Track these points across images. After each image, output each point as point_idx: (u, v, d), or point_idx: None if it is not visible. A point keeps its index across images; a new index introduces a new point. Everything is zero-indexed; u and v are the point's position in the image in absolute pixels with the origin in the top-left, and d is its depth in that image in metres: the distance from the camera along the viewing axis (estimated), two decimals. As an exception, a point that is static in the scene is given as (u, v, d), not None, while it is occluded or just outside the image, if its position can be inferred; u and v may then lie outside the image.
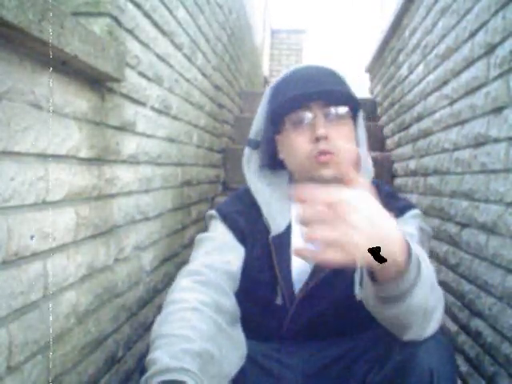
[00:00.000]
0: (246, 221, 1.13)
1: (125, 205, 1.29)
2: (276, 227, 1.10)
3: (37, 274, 0.87)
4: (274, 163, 1.18)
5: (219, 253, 1.07)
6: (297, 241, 1.11)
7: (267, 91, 1.17)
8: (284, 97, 1.07)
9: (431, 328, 0.87)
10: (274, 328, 1.12)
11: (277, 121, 1.11)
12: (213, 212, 1.16)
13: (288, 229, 1.11)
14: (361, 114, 1.14)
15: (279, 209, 1.13)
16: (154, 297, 1.55)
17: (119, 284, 1.26)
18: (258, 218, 1.13)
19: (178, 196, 1.83)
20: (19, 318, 0.82)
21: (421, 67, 2.42)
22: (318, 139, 1.03)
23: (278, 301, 1.09)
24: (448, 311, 1.76)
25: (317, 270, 1.07)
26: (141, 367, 1.00)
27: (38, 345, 0.87)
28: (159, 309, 1.63)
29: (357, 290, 1.06)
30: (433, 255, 2.00)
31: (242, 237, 1.12)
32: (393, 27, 3.19)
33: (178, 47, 1.73)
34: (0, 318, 0.76)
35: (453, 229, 1.76)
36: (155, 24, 1.44)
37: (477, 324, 1.46)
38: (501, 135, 1.34)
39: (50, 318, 0.92)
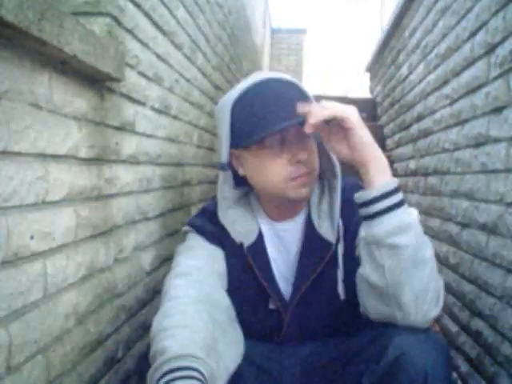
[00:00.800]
0: (220, 230, 1.14)
1: (125, 205, 1.29)
2: (247, 239, 1.11)
3: (36, 274, 0.87)
4: (235, 179, 1.14)
5: (200, 257, 1.09)
6: (271, 247, 1.13)
7: (226, 109, 1.07)
8: (255, 125, 1.01)
9: (425, 301, 0.88)
10: (270, 331, 1.13)
11: (242, 141, 1.05)
12: (186, 227, 1.18)
13: (260, 237, 1.13)
14: None
15: (244, 222, 1.13)
16: (153, 297, 1.55)
17: (119, 284, 1.26)
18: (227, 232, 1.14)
19: (178, 196, 1.83)
20: (19, 319, 0.81)
21: (421, 67, 2.42)
22: (298, 162, 1.01)
23: (272, 305, 1.11)
24: (448, 311, 1.76)
25: (300, 275, 1.10)
26: (140, 365, 1.00)
27: (37, 345, 0.87)
28: (159, 309, 1.63)
29: (339, 288, 1.08)
30: (433, 255, 1.99)
31: (218, 241, 1.13)
32: (393, 27, 3.19)
33: (178, 47, 1.73)
34: (0, 318, 0.76)
35: (453, 229, 1.76)
36: (155, 24, 1.44)
37: (477, 324, 1.46)
38: (501, 135, 1.34)
39: (50, 319, 0.92)
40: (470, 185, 1.59)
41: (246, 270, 1.11)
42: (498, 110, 1.37)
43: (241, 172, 1.10)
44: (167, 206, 1.69)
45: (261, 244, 1.12)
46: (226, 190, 1.14)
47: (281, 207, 1.13)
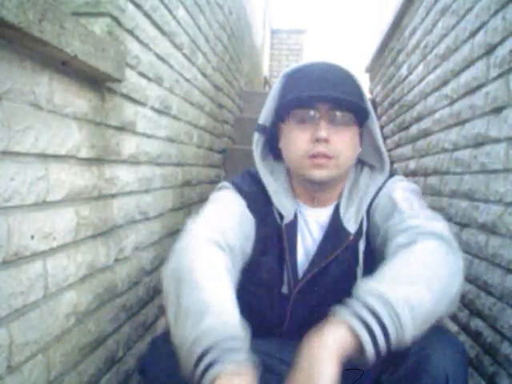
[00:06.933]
0: (257, 198, 1.12)
1: (125, 205, 1.29)
2: (287, 214, 1.11)
3: (37, 274, 0.87)
4: (274, 151, 1.17)
5: (230, 211, 1.05)
6: (303, 231, 1.13)
7: (281, 78, 1.14)
8: (293, 93, 1.05)
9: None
10: (276, 317, 1.12)
11: (283, 112, 1.10)
12: (225, 183, 1.14)
13: (296, 217, 1.12)
14: (373, 117, 1.12)
15: (285, 197, 1.13)
16: (154, 297, 1.55)
17: (119, 284, 1.26)
18: (266, 201, 1.13)
19: (178, 196, 1.83)
20: (19, 318, 0.82)
21: (420, 67, 2.42)
22: (318, 140, 1.02)
23: (285, 289, 1.10)
24: (448, 311, 1.76)
25: (317, 259, 1.09)
26: (140, 366, 0.99)
27: (38, 345, 0.87)
28: (159, 309, 1.63)
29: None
30: (433, 255, 1.99)
31: (253, 209, 1.10)
32: (393, 27, 3.19)
33: (178, 47, 1.73)
34: (0, 317, 0.77)
35: (453, 229, 1.76)
36: (155, 24, 1.44)
37: (477, 324, 1.46)
38: (501, 135, 1.34)
39: (51, 318, 0.92)
40: (469, 185, 1.59)
41: (271, 248, 1.10)
42: (497, 110, 1.37)
43: (280, 145, 1.13)
44: (167, 205, 1.69)
45: (295, 224, 1.11)
46: (257, 160, 1.16)
47: (307, 191, 1.12)
